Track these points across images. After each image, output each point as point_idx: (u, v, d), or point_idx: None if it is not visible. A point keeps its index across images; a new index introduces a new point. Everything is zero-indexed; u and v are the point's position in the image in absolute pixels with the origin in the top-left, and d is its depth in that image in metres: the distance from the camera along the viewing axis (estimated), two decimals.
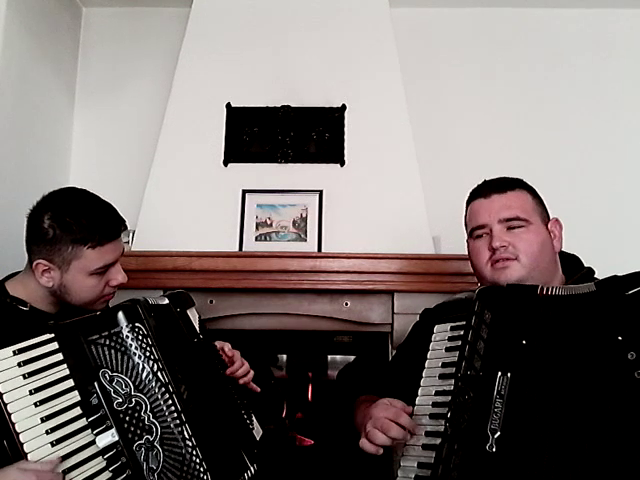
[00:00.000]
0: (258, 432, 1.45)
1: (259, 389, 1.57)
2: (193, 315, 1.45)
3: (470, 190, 1.54)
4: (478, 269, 1.46)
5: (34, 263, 1.37)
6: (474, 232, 1.46)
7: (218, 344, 1.52)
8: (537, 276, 1.36)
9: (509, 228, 1.40)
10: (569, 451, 1.01)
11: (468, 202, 1.52)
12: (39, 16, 2.56)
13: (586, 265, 1.48)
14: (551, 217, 1.49)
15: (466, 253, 1.56)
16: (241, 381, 1.51)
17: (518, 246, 1.38)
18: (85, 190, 1.45)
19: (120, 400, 1.19)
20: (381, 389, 1.34)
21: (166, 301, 1.37)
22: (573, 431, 1.02)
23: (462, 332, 1.21)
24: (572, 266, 1.48)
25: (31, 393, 1.13)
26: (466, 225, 1.54)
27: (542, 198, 1.50)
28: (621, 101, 2.83)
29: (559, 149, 2.80)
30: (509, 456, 1.05)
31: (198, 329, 1.46)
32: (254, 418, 1.46)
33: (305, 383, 2.87)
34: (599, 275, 1.39)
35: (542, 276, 1.38)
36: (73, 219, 1.35)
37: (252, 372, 1.55)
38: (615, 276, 1.13)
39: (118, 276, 1.44)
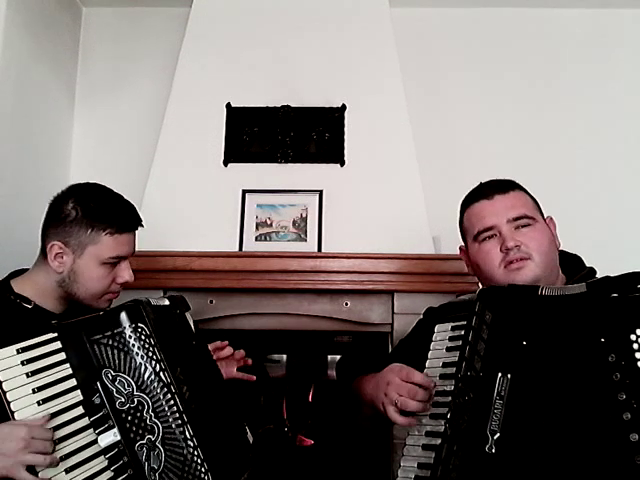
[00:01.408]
0: (250, 438, 1.46)
1: (254, 377, 1.63)
2: (190, 320, 1.46)
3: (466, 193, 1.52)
4: (488, 272, 1.41)
5: (48, 245, 1.39)
6: (481, 235, 1.42)
7: (211, 347, 1.54)
8: (548, 274, 1.36)
9: (517, 227, 1.38)
10: (568, 453, 1.01)
11: (466, 205, 1.49)
12: (39, 16, 2.56)
13: (588, 265, 1.48)
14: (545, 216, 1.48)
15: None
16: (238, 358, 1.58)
17: (530, 245, 1.36)
18: (109, 187, 1.51)
19: (122, 400, 1.20)
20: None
21: (167, 302, 1.38)
22: (572, 433, 1.02)
23: (463, 332, 1.21)
24: (574, 266, 1.47)
25: (34, 392, 1.14)
26: (465, 229, 1.50)
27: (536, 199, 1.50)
28: (621, 100, 2.83)
29: (559, 149, 2.80)
30: (508, 457, 1.05)
31: (195, 333, 1.47)
32: (246, 425, 1.47)
33: (305, 383, 2.87)
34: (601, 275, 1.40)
35: (551, 274, 1.38)
36: (96, 205, 1.41)
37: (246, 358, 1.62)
38: (607, 277, 1.13)
39: (125, 274, 1.46)
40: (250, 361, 1.64)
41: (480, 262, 1.44)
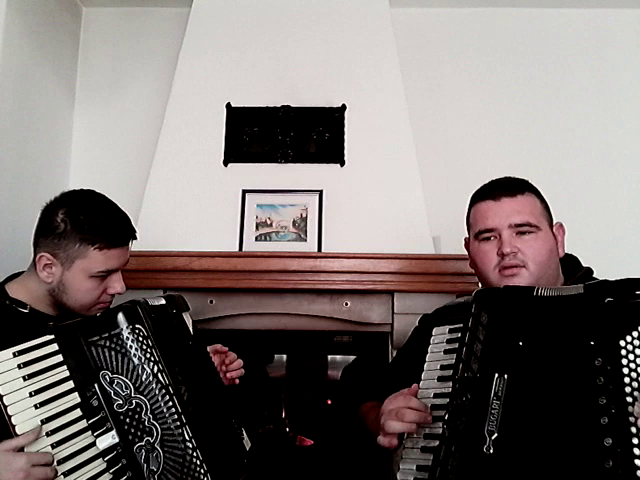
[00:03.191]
0: (247, 443, 1.45)
1: (238, 381, 1.57)
2: (188, 319, 1.45)
3: (476, 189, 1.51)
4: (483, 272, 1.43)
5: (37, 256, 1.38)
6: (481, 234, 1.43)
7: (210, 348, 1.52)
8: (543, 283, 1.35)
9: (518, 233, 1.38)
10: (566, 453, 1.01)
11: (474, 201, 1.49)
12: (39, 16, 2.56)
13: (586, 265, 1.48)
14: (555, 222, 1.48)
15: (466, 253, 1.56)
16: (229, 375, 1.51)
17: (527, 253, 1.36)
18: (104, 195, 1.47)
19: (120, 402, 1.20)
20: (383, 394, 1.33)
21: (163, 301, 1.37)
22: (557, 434, 1.02)
23: (460, 334, 1.21)
24: (571, 267, 1.47)
25: (31, 395, 1.13)
26: (469, 224, 1.51)
27: (547, 201, 1.48)
28: (621, 101, 2.83)
29: (559, 149, 2.80)
30: (506, 458, 1.04)
31: (192, 333, 1.45)
32: (244, 431, 1.46)
33: (305, 383, 2.87)
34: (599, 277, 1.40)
35: (547, 282, 1.37)
36: (86, 218, 1.38)
37: (242, 370, 1.56)
38: (605, 280, 1.12)
39: (117, 285, 1.44)
40: (237, 381, 1.58)
41: (477, 260, 1.46)
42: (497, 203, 1.42)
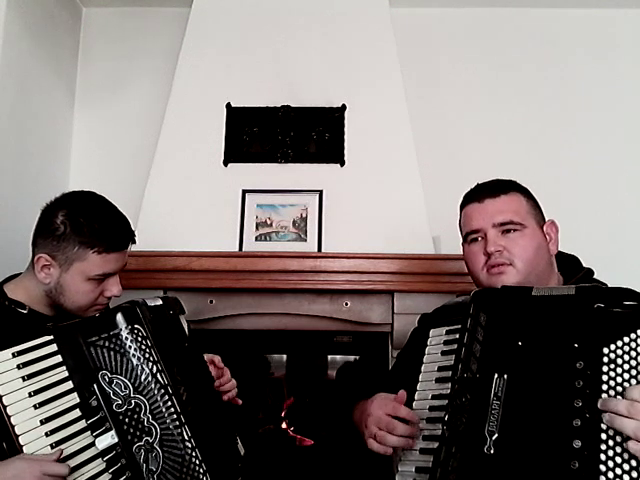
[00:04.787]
0: (241, 449, 1.45)
1: (240, 402, 1.55)
2: (184, 322, 1.45)
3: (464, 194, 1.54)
4: (474, 274, 1.46)
5: (36, 257, 1.38)
6: (468, 236, 1.47)
7: (207, 357, 1.51)
8: (533, 280, 1.36)
9: (504, 232, 1.40)
10: (546, 453, 1.01)
11: (462, 206, 1.53)
12: (39, 16, 2.56)
13: (587, 266, 1.48)
14: (547, 219, 1.49)
15: None
16: (225, 396, 1.49)
17: (513, 251, 1.38)
18: (104, 197, 1.47)
19: (119, 402, 1.20)
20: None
21: (160, 302, 1.37)
22: (549, 433, 1.02)
23: (458, 335, 1.21)
24: (571, 267, 1.47)
25: (30, 395, 1.13)
26: (460, 229, 1.54)
27: (537, 200, 1.50)
28: (621, 101, 2.83)
29: (559, 149, 2.80)
30: (507, 458, 1.04)
31: (188, 335, 1.45)
32: (238, 438, 1.45)
33: (305, 383, 2.87)
34: (600, 277, 1.40)
35: (538, 280, 1.38)
36: (86, 221, 1.37)
37: (236, 390, 1.54)
38: (596, 286, 1.14)
39: (114, 288, 1.45)
40: (240, 402, 1.55)
41: (468, 262, 1.49)
42: (481, 205, 1.45)
